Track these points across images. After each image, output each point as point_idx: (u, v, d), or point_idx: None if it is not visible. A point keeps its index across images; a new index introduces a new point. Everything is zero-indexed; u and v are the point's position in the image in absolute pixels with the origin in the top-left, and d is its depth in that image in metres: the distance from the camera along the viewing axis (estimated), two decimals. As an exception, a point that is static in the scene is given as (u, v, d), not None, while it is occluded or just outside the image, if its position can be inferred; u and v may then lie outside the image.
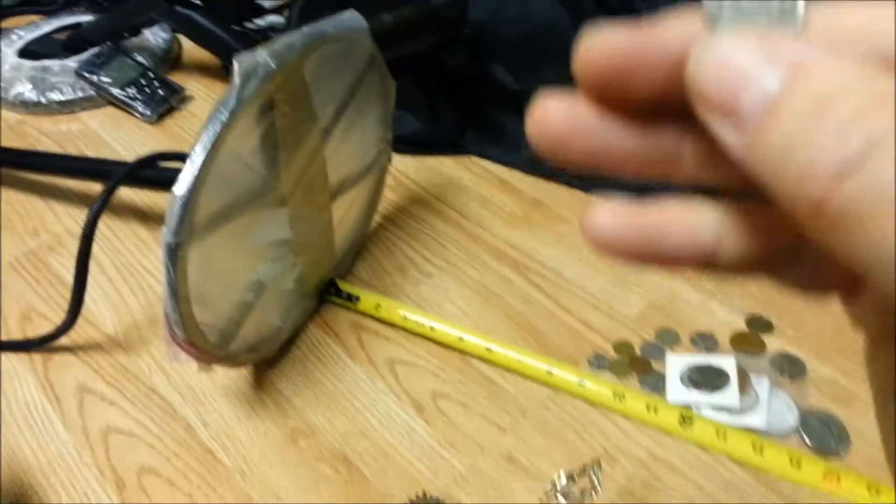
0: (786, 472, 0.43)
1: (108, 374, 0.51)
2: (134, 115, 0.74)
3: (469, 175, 0.66)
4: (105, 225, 0.62)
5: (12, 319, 0.55)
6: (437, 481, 0.44)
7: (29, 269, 0.59)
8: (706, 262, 0.16)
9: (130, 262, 0.59)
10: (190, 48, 0.84)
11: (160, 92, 0.75)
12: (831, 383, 0.48)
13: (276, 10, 0.80)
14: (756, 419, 0.45)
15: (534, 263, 0.57)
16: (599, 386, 0.47)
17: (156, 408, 0.49)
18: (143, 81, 0.75)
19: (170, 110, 0.75)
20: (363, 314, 0.54)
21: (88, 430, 0.48)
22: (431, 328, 0.51)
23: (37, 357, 0.52)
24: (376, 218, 0.61)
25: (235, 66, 0.37)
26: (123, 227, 0.62)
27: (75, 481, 0.45)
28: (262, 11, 0.79)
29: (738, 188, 0.15)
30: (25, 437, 0.48)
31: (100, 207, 0.48)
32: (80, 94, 0.75)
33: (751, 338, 0.50)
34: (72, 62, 0.77)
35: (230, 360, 0.46)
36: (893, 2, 0.13)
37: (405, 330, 0.52)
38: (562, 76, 0.17)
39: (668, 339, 0.51)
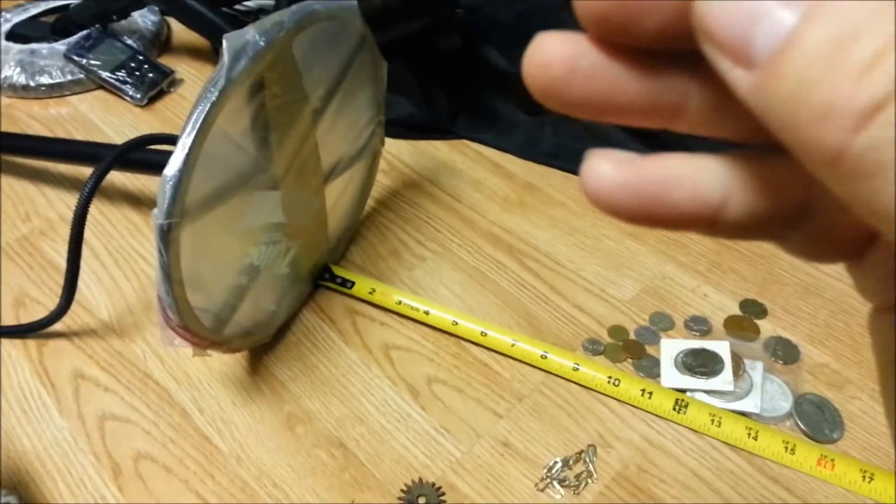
0: (780, 457, 0.43)
1: (103, 360, 0.51)
2: (124, 99, 0.73)
3: (463, 159, 0.65)
4: (97, 210, 0.61)
5: (6, 305, 0.55)
6: (432, 467, 0.44)
7: (22, 255, 0.58)
8: (711, 222, 0.15)
9: (123, 246, 0.59)
10: (179, 31, 0.83)
11: (150, 75, 0.74)
12: (825, 368, 0.48)
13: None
14: (750, 404, 0.45)
15: (528, 247, 0.57)
16: (594, 370, 0.47)
17: (151, 393, 0.49)
18: (132, 64, 0.74)
19: (160, 93, 0.74)
20: (358, 299, 0.53)
21: (84, 416, 0.48)
22: (426, 313, 0.51)
23: (31, 343, 0.52)
24: (370, 202, 0.61)
25: (224, 44, 0.37)
26: (115, 212, 0.61)
27: (71, 467, 0.45)
28: (252, -7, 0.78)
29: (746, 141, 0.15)
30: (21, 423, 0.47)
31: (91, 190, 0.47)
32: (70, 78, 0.74)
33: (745, 322, 0.51)
34: (60, 45, 0.76)
35: (225, 344, 0.46)
36: None
37: (400, 315, 0.52)
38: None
39: (662, 323, 0.51)
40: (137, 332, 0.52)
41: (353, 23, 0.47)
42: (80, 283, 0.51)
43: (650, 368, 0.48)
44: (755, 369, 0.47)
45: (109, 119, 0.72)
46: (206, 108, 0.36)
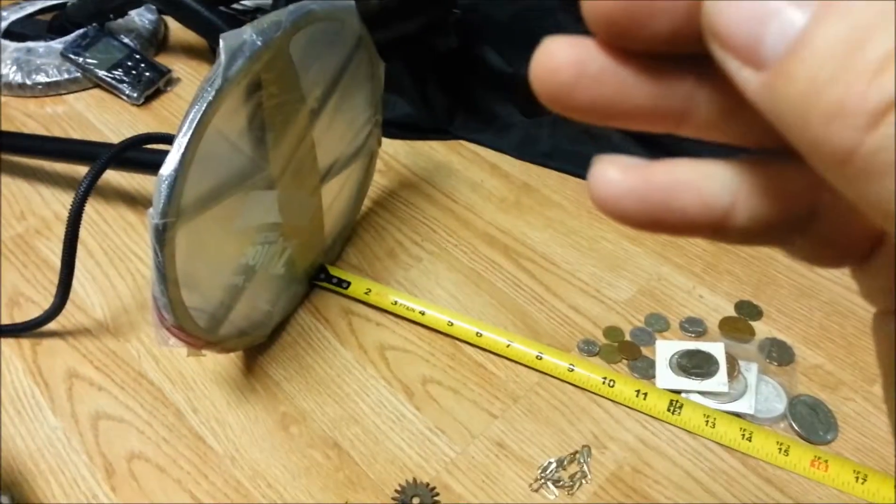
0: (774, 458, 0.43)
1: (97, 360, 0.51)
2: (120, 98, 0.73)
3: (459, 159, 0.65)
4: (92, 209, 0.61)
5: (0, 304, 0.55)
6: (427, 467, 0.44)
7: (16, 254, 0.58)
8: (718, 228, 0.15)
9: (118, 245, 0.59)
10: (176, 30, 0.83)
11: (147, 74, 0.74)
12: (819, 369, 0.48)
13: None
14: (744, 405, 0.45)
15: (524, 248, 0.57)
16: (589, 371, 0.47)
17: (145, 393, 0.49)
18: (129, 63, 0.74)
19: (156, 92, 0.74)
20: (353, 299, 0.53)
21: (78, 415, 0.48)
22: (422, 313, 0.51)
23: (25, 342, 0.52)
24: (366, 202, 0.61)
25: (221, 43, 0.37)
26: (111, 211, 0.61)
27: (65, 467, 0.45)
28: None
29: (752, 146, 0.15)
30: (14, 423, 0.47)
31: (87, 189, 0.47)
32: (66, 76, 0.74)
33: (740, 324, 0.51)
34: (57, 44, 0.76)
35: (220, 344, 0.46)
36: None
37: (395, 315, 0.52)
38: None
39: (657, 324, 0.51)
40: (132, 331, 0.52)
41: (350, 23, 0.47)
42: (75, 283, 0.51)
43: (645, 369, 0.48)
44: (750, 371, 0.47)
45: (106, 118, 0.72)
46: (203, 108, 0.36)
